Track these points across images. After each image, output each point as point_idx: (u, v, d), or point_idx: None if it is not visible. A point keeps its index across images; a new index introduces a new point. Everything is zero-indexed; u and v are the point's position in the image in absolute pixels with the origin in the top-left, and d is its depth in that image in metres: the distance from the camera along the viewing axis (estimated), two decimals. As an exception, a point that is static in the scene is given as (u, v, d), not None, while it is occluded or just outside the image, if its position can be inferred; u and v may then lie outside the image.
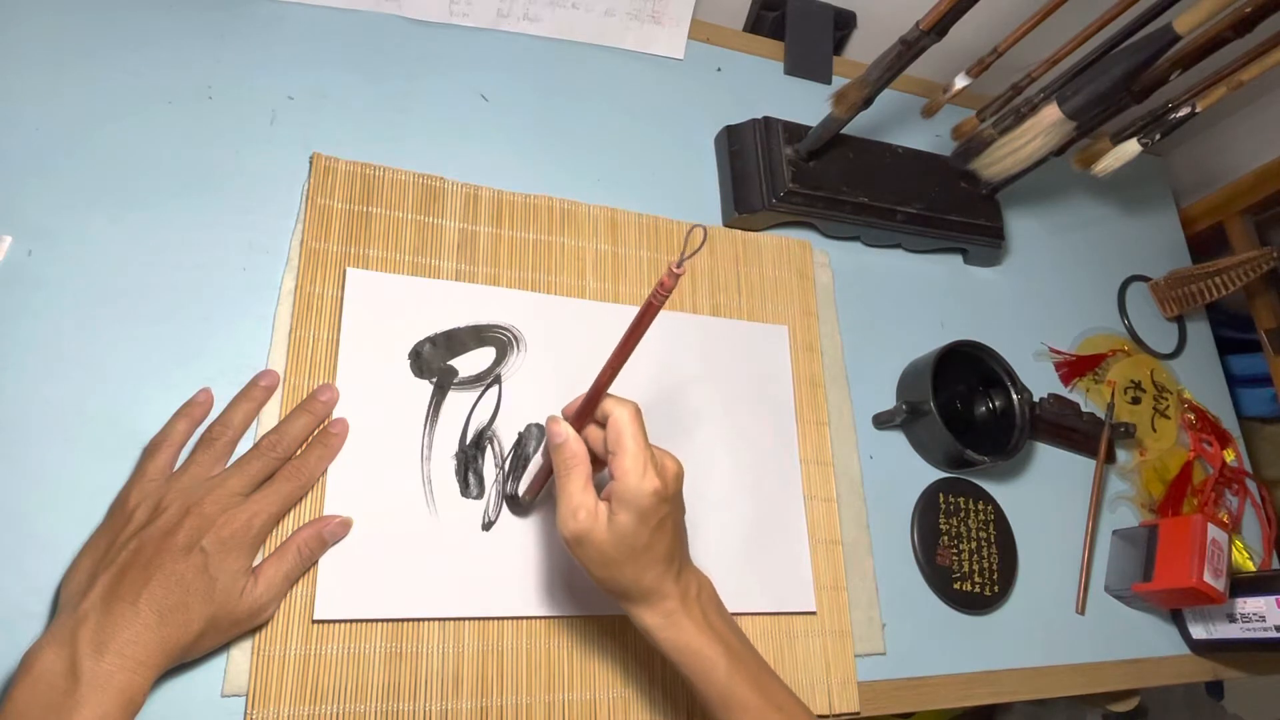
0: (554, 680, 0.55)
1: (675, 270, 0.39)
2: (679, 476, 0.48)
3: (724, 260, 0.73)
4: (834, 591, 0.65)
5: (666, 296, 0.41)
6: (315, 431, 0.54)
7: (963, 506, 0.73)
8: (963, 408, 0.77)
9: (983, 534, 0.73)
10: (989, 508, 0.74)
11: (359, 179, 0.63)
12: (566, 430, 0.49)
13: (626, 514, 0.46)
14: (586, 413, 0.49)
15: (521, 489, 0.58)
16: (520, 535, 0.57)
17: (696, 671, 0.49)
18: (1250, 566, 0.83)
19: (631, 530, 0.46)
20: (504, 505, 0.58)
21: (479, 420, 0.59)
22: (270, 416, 0.55)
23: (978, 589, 0.70)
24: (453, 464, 0.57)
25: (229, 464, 0.51)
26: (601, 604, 0.57)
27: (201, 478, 0.50)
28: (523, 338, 0.63)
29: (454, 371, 0.60)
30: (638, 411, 0.47)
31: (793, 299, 0.74)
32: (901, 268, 0.82)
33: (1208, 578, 0.69)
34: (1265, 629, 0.71)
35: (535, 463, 0.59)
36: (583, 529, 0.47)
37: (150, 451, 0.51)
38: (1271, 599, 0.71)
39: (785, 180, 0.74)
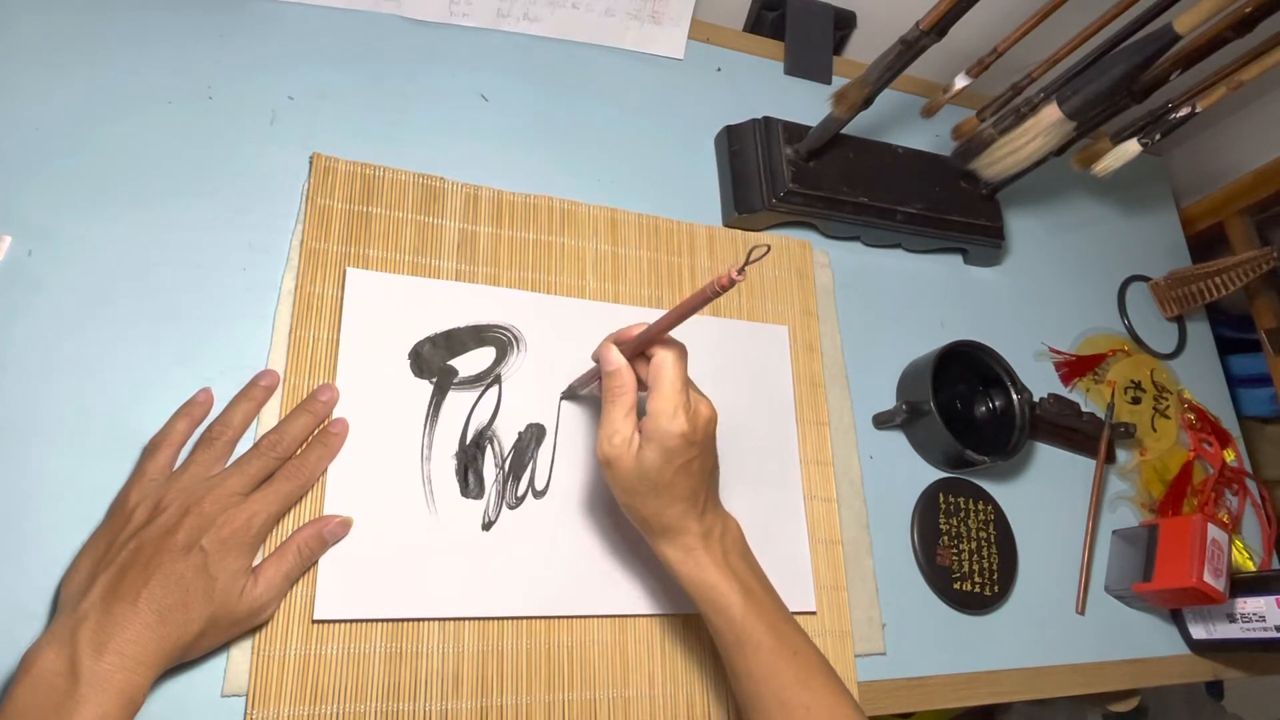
0: (554, 680, 0.55)
1: (735, 276, 0.42)
2: (711, 421, 0.50)
3: (724, 260, 0.73)
4: (834, 591, 0.65)
5: (722, 293, 0.43)
6: (315, 431, 0.54)
7: (963, 506, 0.73)
8: (963, 408, 0.77)
9: (983, 534, 0.73)
10: (989, 508, 0.74)
11: (359, 179, 0.63)
12: (619, 359, 0.50)
13: (653, 450, 0.48)
14: (638, 351, 0.50)
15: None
16: (520, 535, 0.57)
17: (712, 607, 0.50)
18: (1250, 566, 0.83)
19: (656, 466, 0.48)
20: (504, 505, 0.58)
21: (479, 420, 0.59)
22: (270, 416, 0.55)
23: (978, 589, 0.70)
24: (453, 464, 0.57)
25: (229, 464, 0.52)
26: (601, 604, 0.57)
27: (201, 477, 0.50)
28: (523, 338, 0.63)
29: (454, 371, 0.60)
30: (682, 353, 0.49)
31: (793, 299, 0.74)
32: (901, 268, 0.82)
33: (1208, 578, 0.69)
34: (1265, 629, 0.71)
35: (584, 373, 0.60)
36: (614, 454, 0.49)
37: (150, 451, 0.51)
38: (1271, 599, 0.71)
39: (785, 180, 0.74)
